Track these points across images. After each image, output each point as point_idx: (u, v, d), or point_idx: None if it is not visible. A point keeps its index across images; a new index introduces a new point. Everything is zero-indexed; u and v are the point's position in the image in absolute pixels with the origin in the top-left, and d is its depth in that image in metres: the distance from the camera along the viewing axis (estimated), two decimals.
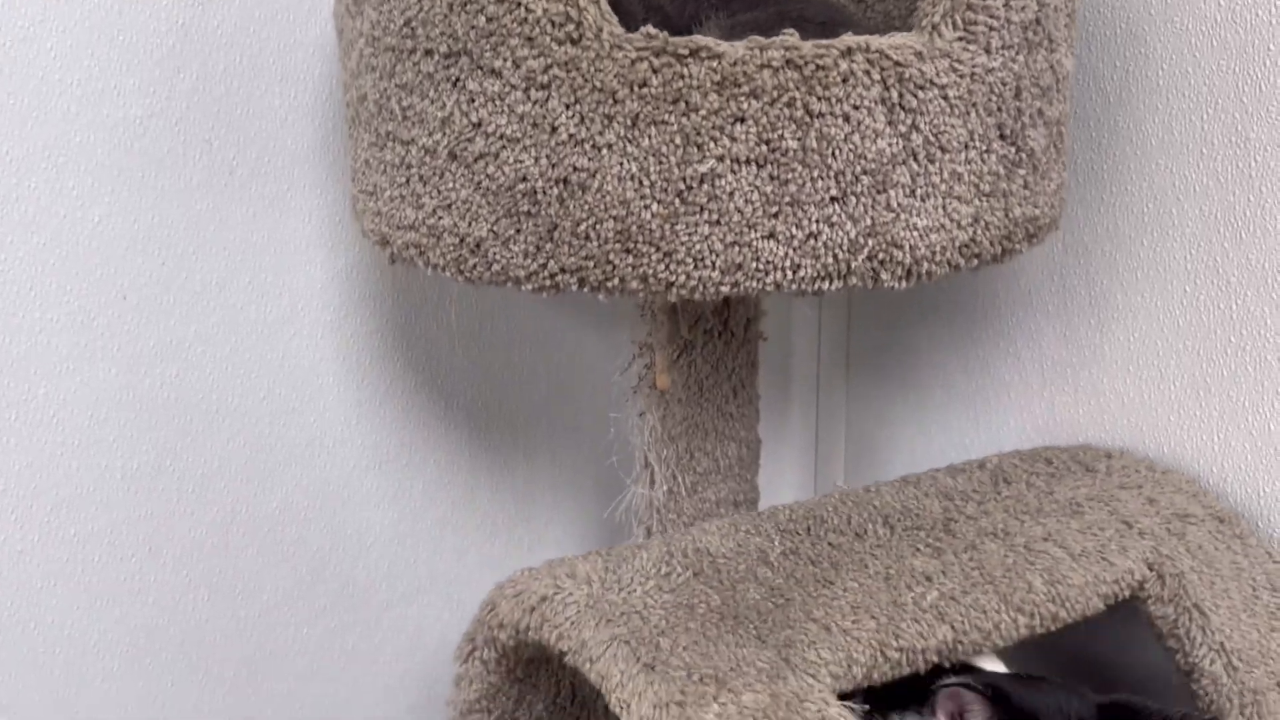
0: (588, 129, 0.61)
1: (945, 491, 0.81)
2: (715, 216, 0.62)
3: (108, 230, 0.91)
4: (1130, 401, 0.93)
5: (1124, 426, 0.93)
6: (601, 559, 0.71)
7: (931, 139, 0.63)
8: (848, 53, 0.61)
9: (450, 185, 0.67)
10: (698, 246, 0.63)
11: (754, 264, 0.63)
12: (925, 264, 0.66)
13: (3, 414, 0.89)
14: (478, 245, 0.67)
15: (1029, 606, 0.71)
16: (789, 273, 0.63)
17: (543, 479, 1.16)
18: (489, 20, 0.62)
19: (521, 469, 1.15)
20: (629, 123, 0.61)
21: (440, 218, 0.68)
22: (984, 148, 0.66)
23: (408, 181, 0.69)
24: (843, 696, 0.63)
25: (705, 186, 0.62)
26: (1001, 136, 0.66)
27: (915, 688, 0.68)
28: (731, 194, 0.62)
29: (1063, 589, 0.72)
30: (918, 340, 1.12)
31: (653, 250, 0.63)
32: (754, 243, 0.63)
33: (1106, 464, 0.87)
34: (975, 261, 0.68)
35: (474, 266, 0.68)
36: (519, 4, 0.61)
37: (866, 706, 0.63)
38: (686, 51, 0.61)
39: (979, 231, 0.67)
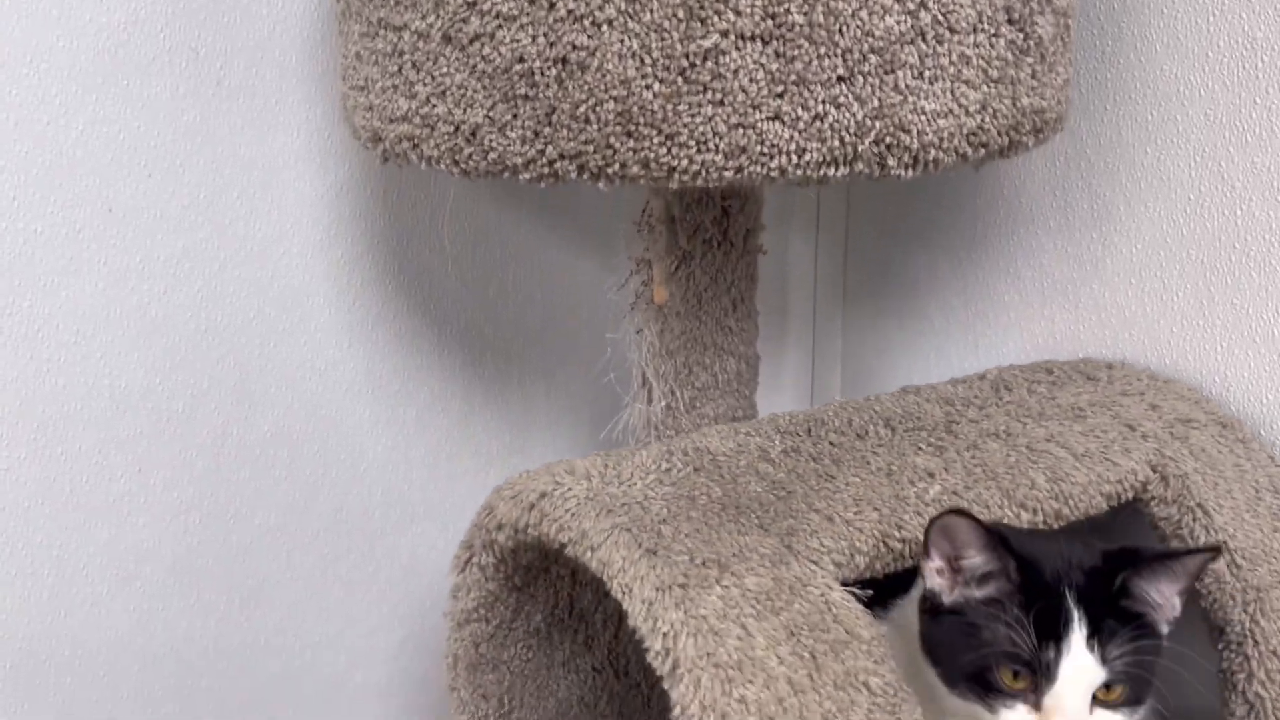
0: (587, 4, 0.60)
1: (946, 398, 0.80)
2: (719, 96, 0.61)
3: (91, 140, 0.89)
4: (1132, 315, 0.92)
5: (1125, 340, 0.92)
6: (600, 458, 0.70)
7: (940, 18, 0.62)
8: None
9: (444, 70, 0.65)
10: (701, 128, 0.62)
11: (758, 147, 0.62)
12: (932, 150, 0.64)
13: None
14: (473, 133, 0.65)
15: (1031, 503, 0.70)
16: (794, 157, 0.62)
17: (538, 406, 1.15)
18: None
19: (516, 396, 1.14)
20: None
21: (434, 106, 0.66)
22: (992, 31, 0.64)
23: (400, 70, 0.67)
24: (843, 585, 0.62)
25: (709, 64, 0.60)
26: (1010, 21, 0.65)
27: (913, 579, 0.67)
28: (736, 72, 0.60)
29: (1066, 486, 0.71)
30: (915, 266, 1.11)
31: (654, 133, 0.62)
32: (759, 124, 0.61)
33: (1108, 374, 0.86)
34: (982, 151, 0.67)
35: (469, 156, 0.66)
36: None
37: (870, 591, 0.62)
38: None
39: (986, 119, 0.66)
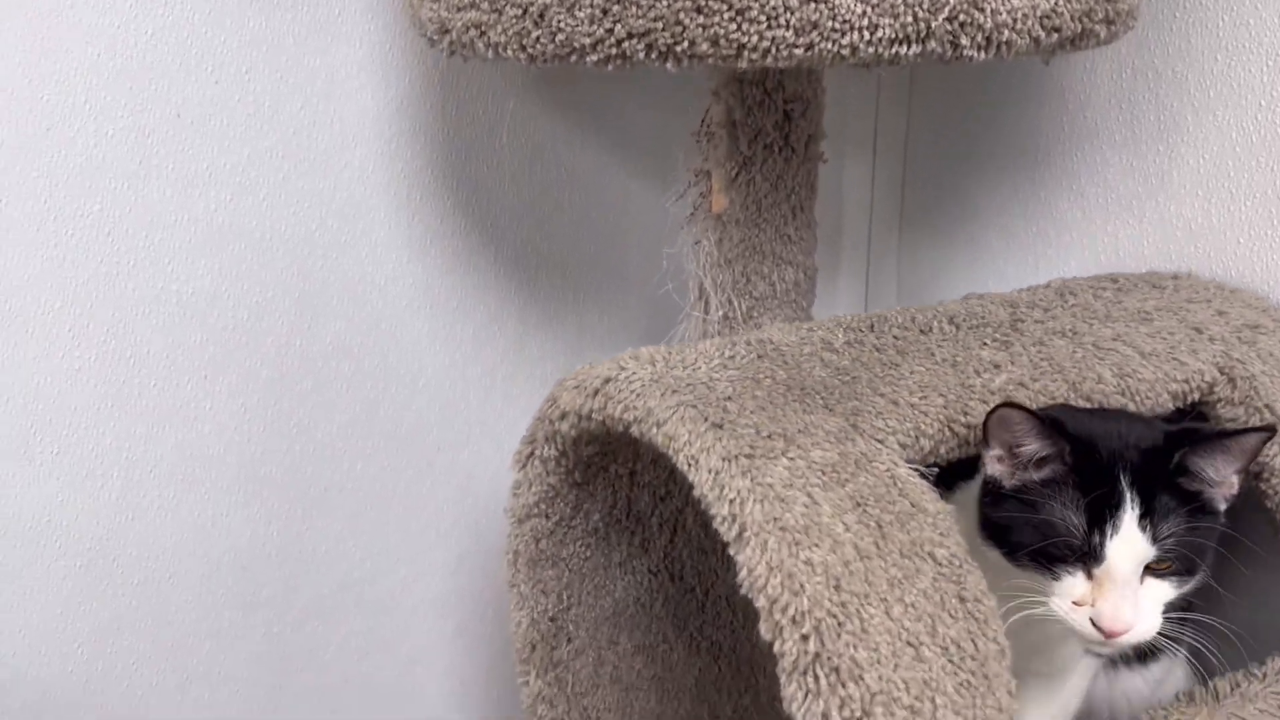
0: None
1: (1010, 301, 0.80)
2: None
3: (161, 46, 0.90)
4: (1199, 228, 0.90)
5: (1191, 254, 0.91)
6: (663, 349, 0.71)
7: None
8: None
9: None
10: (771, 2, 0.61)
11: (830, 23, 0.61)
12: (1006, 31, 0.64)
13: (59, 228, 0.89)
14: (541, 14, 0.65)
15: (1098, 396, 0.69)
16: (866, 33, 0.62)
17: (593, 326, 1.15)
18: None
19: (571, 315, 1.15)
20: None
21: None
22: None
23: None
24: None
25: None
26: None
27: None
28: None
29: (1132, 382, 0.71)
30: (974, 186, 1.10)
31: (724, 7, 0.62)
32: None
33: (1174, 283, 0.85)
34: (1055, 36, 0.66)
35: (537, 40, 0.67)
36: None
37: (936, 469, 0.62)
38: None
39: (1060, 2, 0.65)
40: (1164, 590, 0.62)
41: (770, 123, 0.84)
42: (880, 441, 0.61)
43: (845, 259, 1.22)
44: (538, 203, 1.09)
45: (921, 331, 0.72)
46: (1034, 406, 0.67)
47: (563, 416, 0.73)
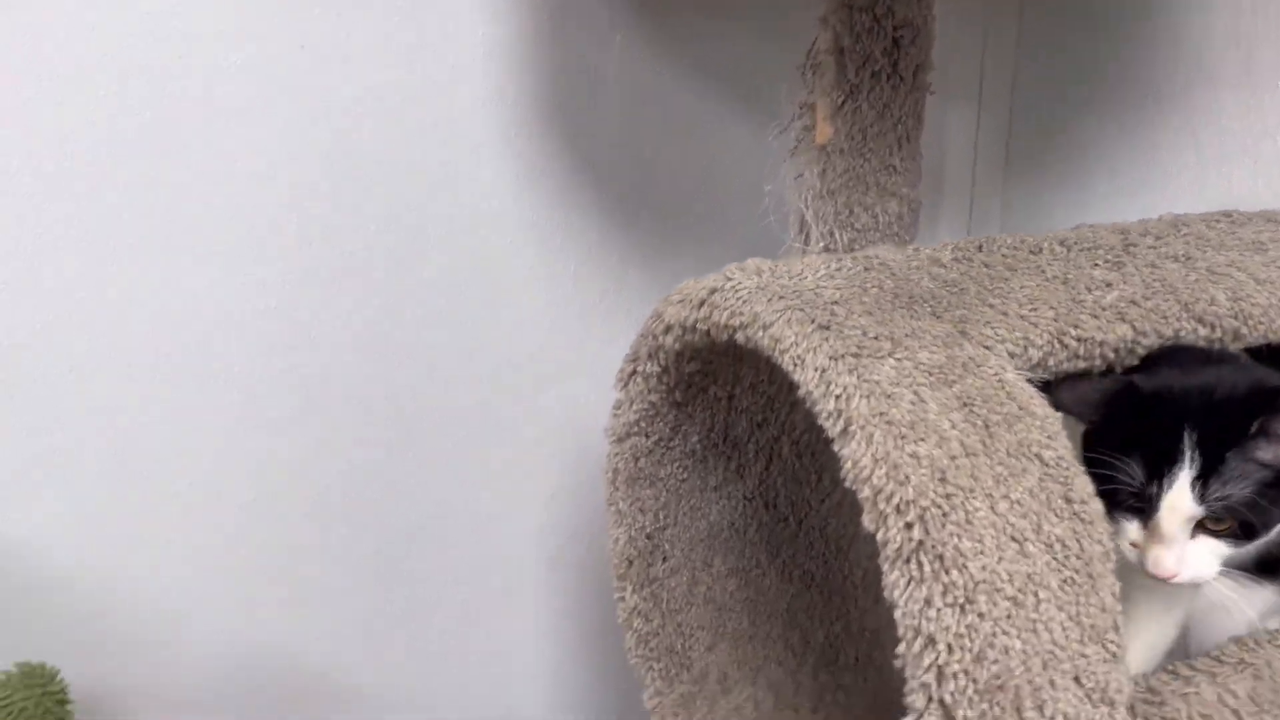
0: None
1: (1122, 229, 0.79)
2: None
3: None
4: None
5: None
6: (769, 261, 0.72)
7: None
8: None
9: None
10: None
11: None
12: None
13: (175, 163, 0.93)
14: None
15: (1210, 318, 0.68)
16: None
17: (691, 264, 1.16)
18: None
19: (670, 252, 1.16)
20: None
21: None
22: None
23: None
24: None
25: None
26: None
27: None
28: None
29: (1246, 306, 0.69)
30: (1082, 132, 1.09)
31: None
32: None
33: None
34: None
35: None
36: None
37: (1046, 378, 0.62)
38: None
39: None
40: (1217, 547, 0.62)
41: (879, 49, 0.84)
42: (988, 348, 0.61)
43: (947, 200, 1.21)
44: (640, 139, 1.10)
45: (1031, 251, 0.72)
46: (1144, 325, 0.66)
47: (667, 330, 0.74)
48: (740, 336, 0.66)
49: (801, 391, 0.60)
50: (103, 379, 0.95)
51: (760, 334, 0.63)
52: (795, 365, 0.60)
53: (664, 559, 0.87)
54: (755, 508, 0.90)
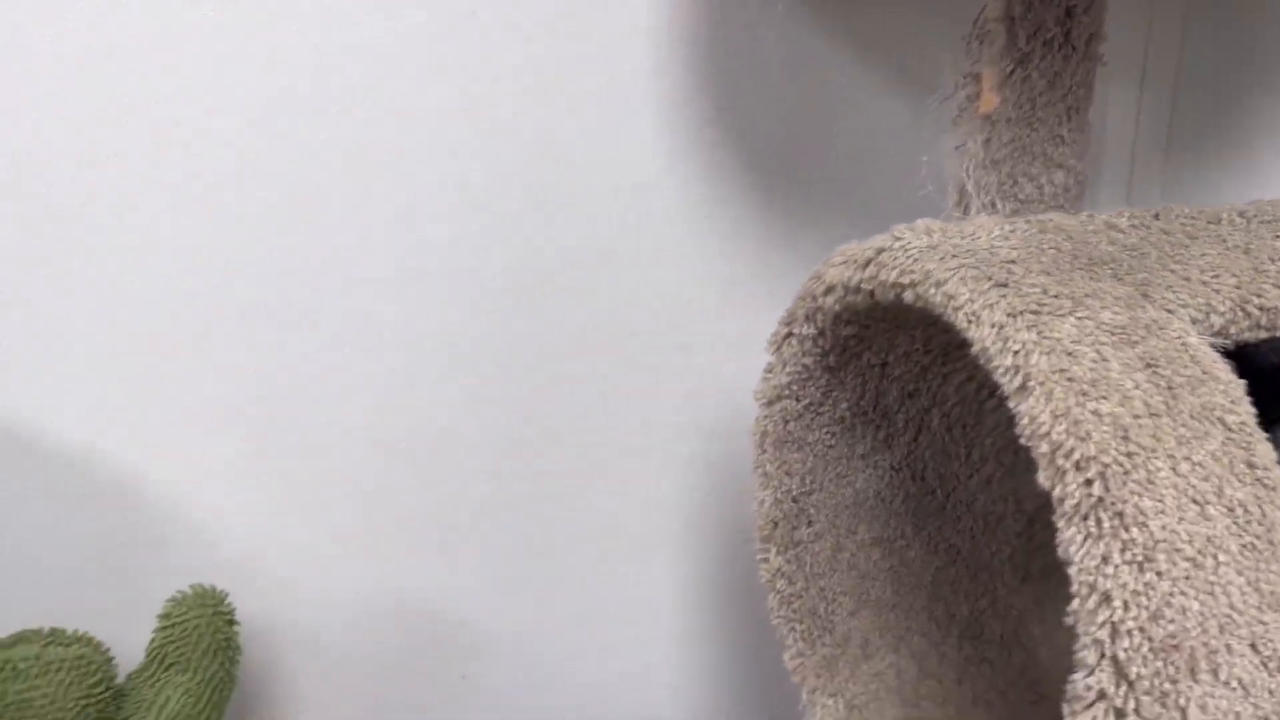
0: None
1: None
2: None
3: None
4: None
5: None
6: (938, 222, 0.72)
7: None
8: None
9: None
10: None
11: None
12: None
13: (354, 119, 0.98)
14: None
15: None
16: None
17: (838, 240, 1.16)
18: None
19: (816, 228, 1.16)
20: None
21: None
22: None
23: None
24: None
25: None
26: None
27: None
28: None
29: None
30: (1253, 116, 1.05)
31: None
32: None
33: None
34: None
35: None
36: None
37: (1228, 345, 0.61)
38: None
39: None
40: None
41: (1052, 18, 0.83)
42: (1170, 312, 0.60)
43: (1105, 178, 1.18)
44: (792, 110, 1.11)
45: (1210, 221, 0.71)
46: None
47: (828, 291, 0.75)
48: (909, 295, 0.66)
49: (976, 349, 0.60)
50: (267, 333, 1.00)
51: (932, 291, 0.63)
52: (970, 322, 0.60)
53: (809, 523, 0.87)
54: (902, 478, 0.90)
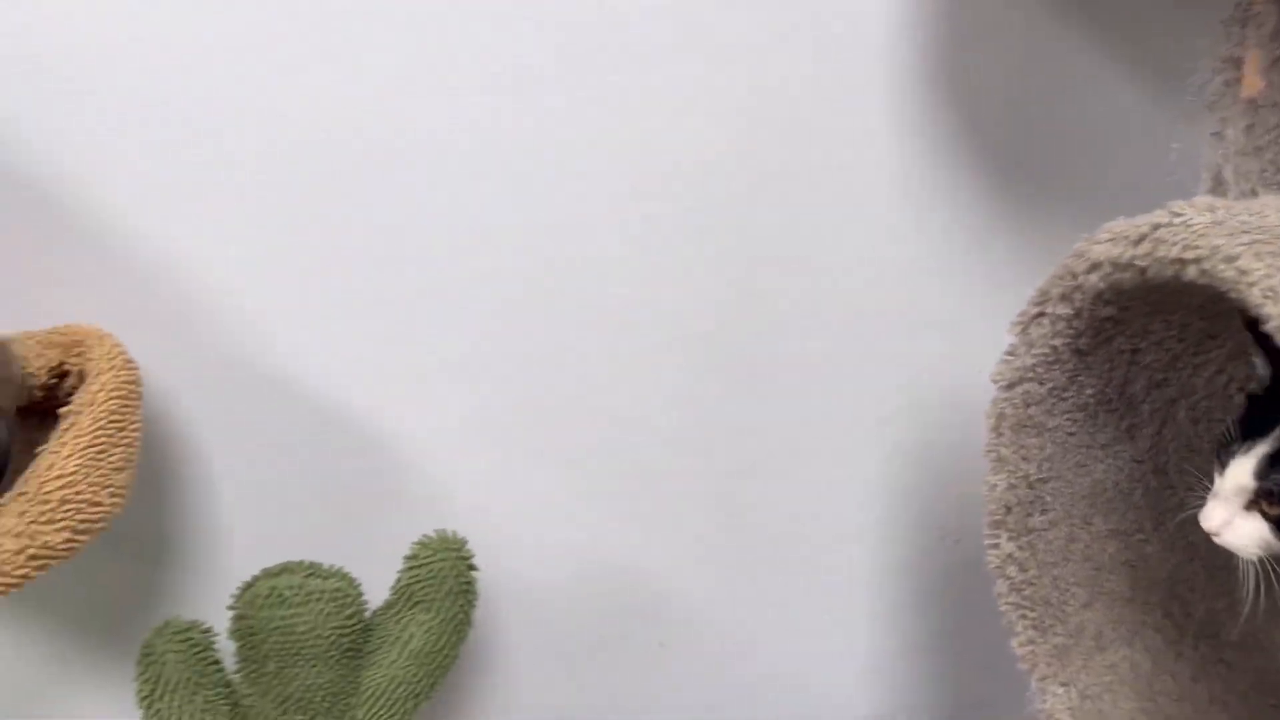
0: None
1: None
2: None
3: None
4: None
5: None
6: (1220, 200, 0.70)
7: None
8: None
9: None
10: None
11: None
12: None
13: (604, 92, 1.00)
14: None
15: None
16: None
17: (1070, 233, 1.13)
18: None
19: (1041, 220, 1.13)
20: None
21: None
22: None
23: None
24: None
25: None
26: None
27: None
28: None
29: None
30: None
31: None
32: None
33: None
34: None
35: None
36: None
37: None
38: None
39: None
40: (1262, 529, 0.64)
41: None
42: None
43: None
44: (1027, 96, 1.09)
45: None
46: None
47: (1092, 268, 0.73)
48: (1192, 271, 0.64)
49: (1271, 325, 0.58)
50: (509, 309, 1.04)
51: (1222, 267, 0.62)
52: (1268, 297, 0.58)
53: (1043, 510, 0.86)
54: (1143, 471, 0.87)
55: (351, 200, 1.00)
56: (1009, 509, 0.85)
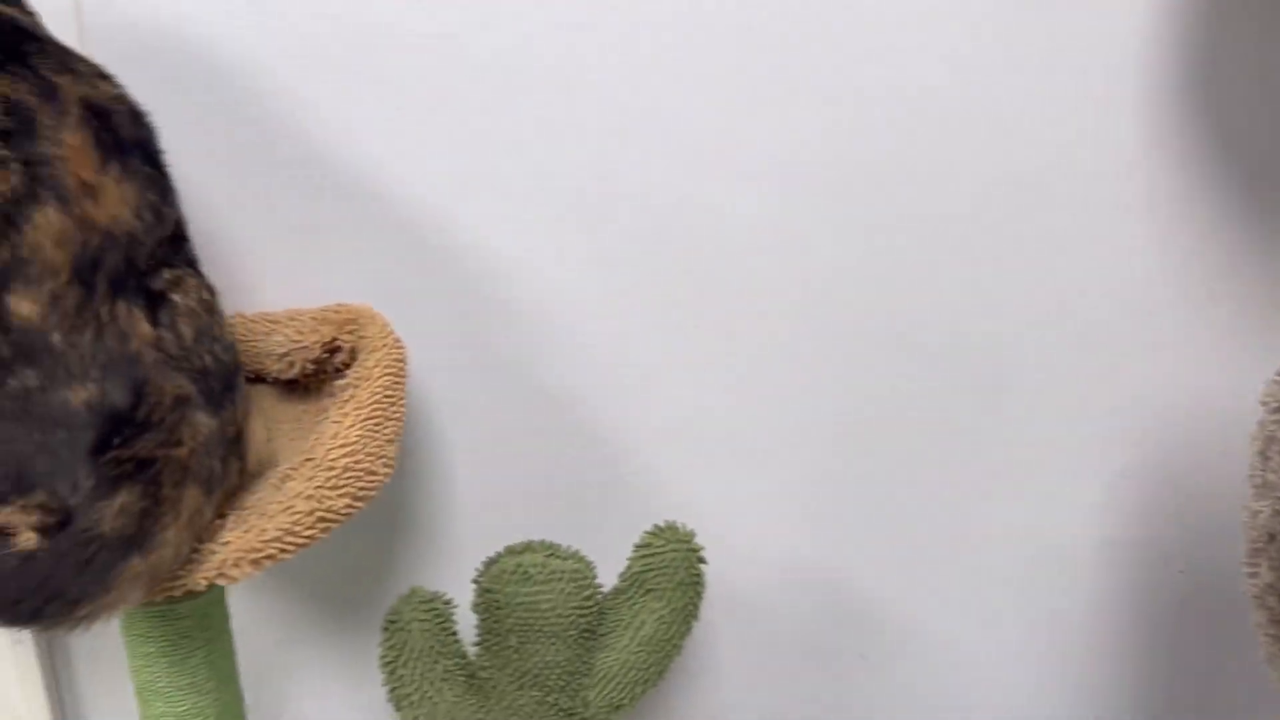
0: None
1: None
2: None
3: None
4: None
5: None
6: None
7: None
8: None
9: None
10: None
11: None
12: None
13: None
14: None
15: None
16: None
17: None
18: None
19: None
20: None
21: None
22: None
23: None
24: None
25: None
26: None
27: None
28: None
29: None
30: None
31: None
32: None
33: None
34: None
35: None
36: None
37: None
38: None
39: None
40: None
41: None
42: None
43: None
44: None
45: None
46: None
47: None
48: None
49: None
50: (739, 307, 1.05)
51: None
52: None
53: None
54: None
55: (603, 205, 1.02)
56: (1272, 537, 0.82)
